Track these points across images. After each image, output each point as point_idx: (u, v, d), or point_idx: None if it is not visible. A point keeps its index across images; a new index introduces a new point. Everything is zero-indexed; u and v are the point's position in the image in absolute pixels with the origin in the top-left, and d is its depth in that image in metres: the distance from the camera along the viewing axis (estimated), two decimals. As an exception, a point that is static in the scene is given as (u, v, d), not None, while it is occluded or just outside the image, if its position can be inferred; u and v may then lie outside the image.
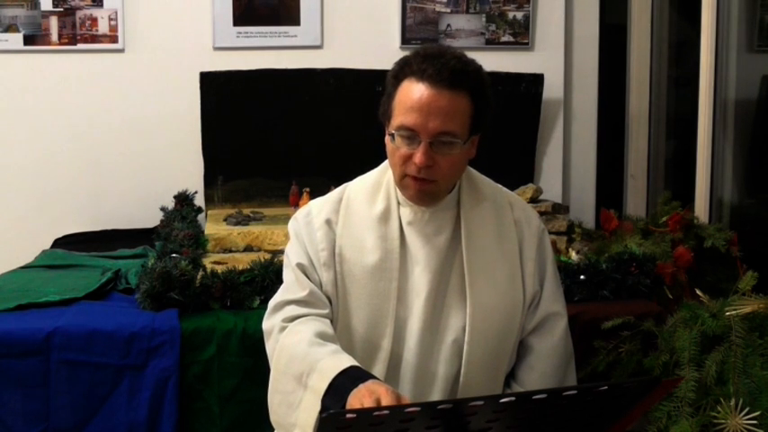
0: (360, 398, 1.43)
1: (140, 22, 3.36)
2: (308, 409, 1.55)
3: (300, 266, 1.73)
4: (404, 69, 1.63)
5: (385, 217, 1.72)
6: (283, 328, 1.68)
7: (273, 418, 1.68)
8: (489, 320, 1.69)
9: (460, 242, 1.71)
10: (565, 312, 1.81)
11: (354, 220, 1.74)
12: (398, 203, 1.73)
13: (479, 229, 1.73)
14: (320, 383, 1.52)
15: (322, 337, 1.63)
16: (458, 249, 1.71)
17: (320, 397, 1.51)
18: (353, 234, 1.72)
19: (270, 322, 1.73)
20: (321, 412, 1.49)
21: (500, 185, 1.84)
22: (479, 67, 1.67)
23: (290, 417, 1.61)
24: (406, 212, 1.72)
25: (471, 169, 1.79)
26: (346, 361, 1.54)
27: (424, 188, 1.64)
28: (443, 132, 1.59)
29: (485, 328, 1.68)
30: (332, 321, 1.72)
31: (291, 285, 1.73)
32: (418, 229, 1.71)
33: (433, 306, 1.69)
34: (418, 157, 1.59)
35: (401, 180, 1.66)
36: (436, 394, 1.69)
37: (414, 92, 1.59)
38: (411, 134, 1.60)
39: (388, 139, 1.66)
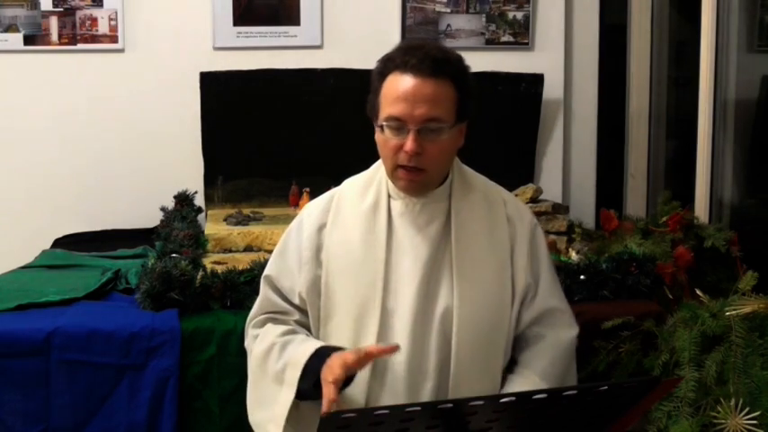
0: (324, 377, 1.57)
1: (140, 22, 3.35)
2: (283, 401, 1.67)
3: (266, 278, 1.82)
4: (387, 65, 1.68)
5: (373, 210, 1.76)
6: (255, 337, 1.79)
7: (251, 418, 1.78)
8: (475, 310, 1.71)
9: (451, 232, 1.74)
10: (565, 307, 1.82)
11: (344, 216, 1.77)
12: (389, 196, 1.76)
13: (469, 219, 1.75)
14: (293, 373, 1.66)
15: (288, 333, 1.75)
16: (449, 240, 1.74)
17: (294, 387, 1.65)
18: (341, 230, 1.76)
19: (247, 341, 1.84)
20: (297, 397, 1.65)
21: (493, 182, 1.86)
22: (460, 57, 1.72)
23: (266, 414, 1.71)
24: (398, 205, 1.75)
25: (463, 165, 1.82)
26: (312, 346, 1.67)
27: (415, 178, 1.67)
28: (430, 119, 1.62)
29: (472, 317, 1.69)
30: (306, 326, 1.79)
31: (263, 299, 1.83)
32: (410, 220, 1.74)
33: (425, 296, 1.71)
34: (408, 145, 1.62)
35: (393, 172, 1.69)
36: (428, 385, 1.70)
37: (399, 83, 1.63)
38: (399, 124, 1.63)
39: (377, 132, 1.70)
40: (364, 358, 1.58)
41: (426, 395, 1.69)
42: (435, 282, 1.72)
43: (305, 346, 1.69)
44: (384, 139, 1.67)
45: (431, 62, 1.62)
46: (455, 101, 1.66)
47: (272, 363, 1.71)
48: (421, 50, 1.65)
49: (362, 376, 1.67)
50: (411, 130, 1.62)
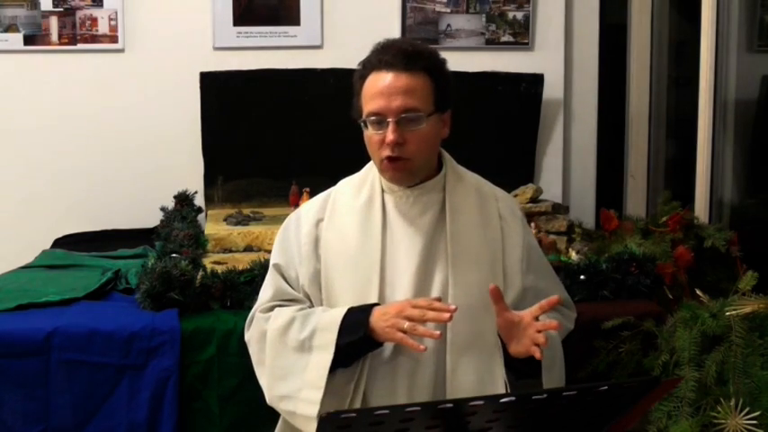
0: (382, 311, 1.65)
1: (140, 22, 3.35)
2: (318, 366, 1.68)
3: (276, 266, 1.85)
4: (365, 67, 1.76)
5: (368, 204, 1.80)
6: (267, 319, 1.80)
7: (274, 393, 1.76)
8: (470, 296, 1.73)
9: (445, 222, 1.78)
10: (565, 298, 1.88)
11: (340, 212, 1.82)
12: (383, 191, 1.81)
13: (463, 209, 1.79)
14: (328, 336, 1.68)
15: (303, 309, 1.77)
16: (443, 229, 1.78)
17: (331, 348, 1.67)
18: (338, 225, 1.81)
19: (256, 324, 1.83)
20: (336, 354, 1.66)
21: (486, 181, 1.90)
22: (433, 50, 1.81)
23: (295, 383, 1.71)
24: (391, 198, 1.80)
25: (456, 164, 1.86)
26: (340, 310, 1.71)
27: (401, 167, 1.73)
28: (407, 109, 1.70)
29: (466, 304, 1.70)
30: None
31: (276, 287, 1.84)
32: (403, 211, 1.78)
33: (421, 285, 1.74)
34: (388, 136, 1.70)
35: (380, 165, 1.76)
36: (426, 374, 1.72)
37: (376, 81, 1.72)
38: (379, 118, 1.71)
39: (364, 131, 1.76)
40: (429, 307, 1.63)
41: (425, 383, 1.71)
42: (430, 270, 1.76)
43: (332, 311, 1.72)
44: (368, 135, 1.74)
45: (403, 57, 1.71)
46: (432, 91, 1.73)
47: (295, 333, 1.73)
48: (393, 47, 1.74)
49: (360, 365, 1.71)
50: (390, 121, 1.69)
